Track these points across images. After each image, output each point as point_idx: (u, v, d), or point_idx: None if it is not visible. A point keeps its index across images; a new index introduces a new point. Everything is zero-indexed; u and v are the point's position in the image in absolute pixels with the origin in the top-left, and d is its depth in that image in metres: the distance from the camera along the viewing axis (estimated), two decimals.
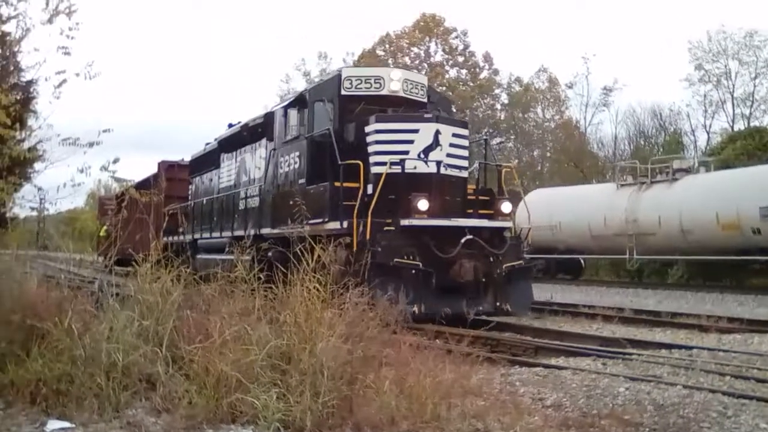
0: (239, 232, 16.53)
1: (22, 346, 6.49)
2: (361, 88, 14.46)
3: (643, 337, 13.03)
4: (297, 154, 14.69)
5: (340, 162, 12.75)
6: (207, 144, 21.71)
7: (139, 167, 41.57)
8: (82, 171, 12.13)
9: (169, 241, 17.31)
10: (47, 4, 12.48)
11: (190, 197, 21.90)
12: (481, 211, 13.73)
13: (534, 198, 29.91)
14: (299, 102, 15.06)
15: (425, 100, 15.05)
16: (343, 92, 14.47)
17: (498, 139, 55.92)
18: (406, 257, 11.65)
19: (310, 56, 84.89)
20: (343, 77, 14.62)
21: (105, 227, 19.69)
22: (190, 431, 5.45)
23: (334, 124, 14.17)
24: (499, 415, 6.49)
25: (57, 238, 14.66)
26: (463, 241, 12.18)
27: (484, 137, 23.01)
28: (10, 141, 13.70)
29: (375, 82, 14.51)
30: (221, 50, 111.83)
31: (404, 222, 12.26)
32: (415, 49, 57.84)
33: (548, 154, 52.23)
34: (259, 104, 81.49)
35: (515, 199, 14.77)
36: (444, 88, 54.57)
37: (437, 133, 13.30)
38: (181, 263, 7.62)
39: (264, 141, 16.63)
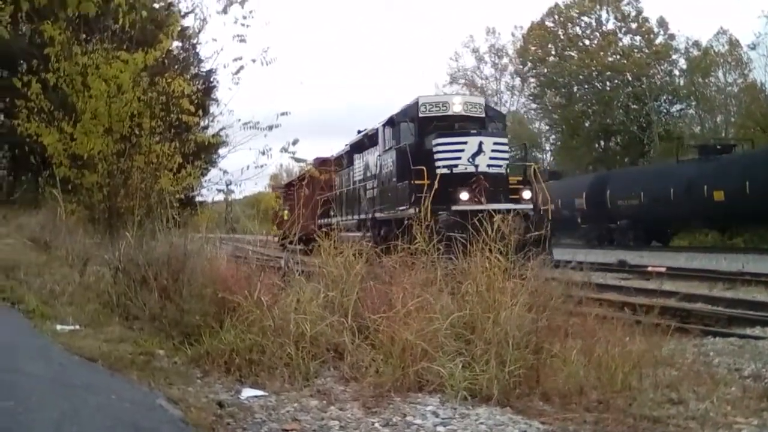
0: (363, 216, 21.77)
1: (215, 319, 6.77)
2: (433, 111, 19.06)
3: None
4: (391, 160, 19.51)
5: (412, 167, 17.13)
6: (345, 145, 26.59)
7: (315, 149, 42.71)
8: (263, 153, 12.60)
9: (322, 222, 19.62)
10: None
11: (335, 188, 26.08)
12: (513, 197, 17.84)
13: None
14: (391, 122, 20.08)
15: (483, 115, 19.42)
16: (420, 114, 19.05)
17: (678, 107, 53.83)
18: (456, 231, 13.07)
19: (479, 33, 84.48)
20: (419, 104, 19.11)
21: (284, 210, 21.04)
22: (378, 399, 5.48)
23: (414, 138, 18.85)
24: (694, 385, 6.22)
25: (243, 220, 15.31)
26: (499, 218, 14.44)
27: (524, 143, 31.43)
28: (194, 128, 14.37)
29: (443, 106, 19.19)
30: (391, 32, 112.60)
31: (454, 207, 15.59)
32: (586, 18, 56.46)
33: (732, 120, 49.56)
34: (431, 84, 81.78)
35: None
36: (618, 57, 53.07)
37: (480, 143, 17.61)
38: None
39: (376, 147, 21.64)
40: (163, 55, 13.40)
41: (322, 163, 26.17)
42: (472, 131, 18.21)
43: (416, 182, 16.61)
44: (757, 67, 49.32)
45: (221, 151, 15.45)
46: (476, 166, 17.31)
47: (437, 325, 6.07)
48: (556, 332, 6.38)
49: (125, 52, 12.81)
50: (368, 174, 22.45)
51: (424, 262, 7.18)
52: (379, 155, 20.87)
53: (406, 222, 9.66)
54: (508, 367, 5.66)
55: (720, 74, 52.07)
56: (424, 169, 16.50)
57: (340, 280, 7.20)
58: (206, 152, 15.59)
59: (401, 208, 17.47)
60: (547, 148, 64.02)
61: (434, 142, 17.91)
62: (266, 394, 5.63)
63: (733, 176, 30.23)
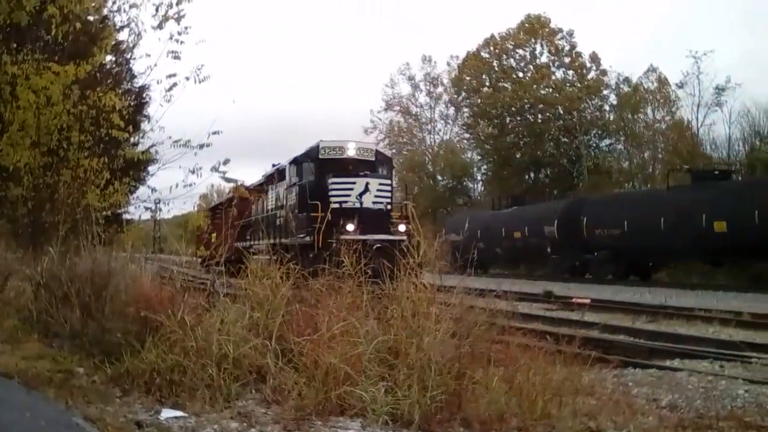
0: (273, 241, 22.99)
1: (137, 338, 6.67)
2: (330, 154, 21.96)
3: (762, 340, 12.52)
4: (295, 193, 22.50)
5: (309, 201, 20.06)
6: (261, 176, 29.32)
7: (246, 170, 42.43)
8: (193, 172, 12.47)
9: (239, 245, 20.41)
10: (157, 10, 12.91)
11: (252, 214, 27.70)
12: (394, 230, 20.16)
13: None
14: (295, 161, 22.76)
15: (373, 159, 22.54)
16: (320, 156, 21.90)
17: (607, 141, 54.92)
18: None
19: (415, 60, 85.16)
20: (320, 147, 21.98)
21: (212, 232, 21.90)
22: (299, 422, 5.46)
23: (314, 176, 21.60)
24: (612, 414, 6.33)
25: (170, 240, 15.10)
26: (374, 247, 16.32)
27: (405, 183, 34.40)
28: (124, 143, 14.15)
29: (339, 150, 22.08)
30: (327, 53, 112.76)
31: (342, 237, 16.65)
32: (521, 51, 57.43)
33: (660, 156, 50.74)
34: (366, 109, 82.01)
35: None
36: (551, 90, 54.05)
37: (367, 183, 20.65)
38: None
39: (284, 181, 24.29)
40: (96, 69, 13.19)
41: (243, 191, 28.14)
42: (361, 173, 21.14)
43: (313, 214, 19.48)
44: (684, 105, 50.70)
45: (150, 168, 15.22)
46: (361, 203, 20.40)
47: (361, 349, 6.08)
48: (478, 359, 6.43)
49: (56, 64, 12.58)
50: (278, 204, 25.25)
51: (350, 286, 7.19)
52: (286, 188, 23.81)
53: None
54: (430, 393, 5.70)
55: (649, 111, 53.26)
56: (319, 204, 19.32)
57: (266, 302, 7.17)
58: (135, 169, 15.35)
59: (300, 235, 20.28)
60: (479, 178, 64.68)
61: (329, 181, 20.92)
62: (186, 415, 5.57)
63: (737, 204, 27.91)
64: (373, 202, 20.59)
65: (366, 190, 20.63)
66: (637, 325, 15.00)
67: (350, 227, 18.65)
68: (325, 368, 5.90)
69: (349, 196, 20.42)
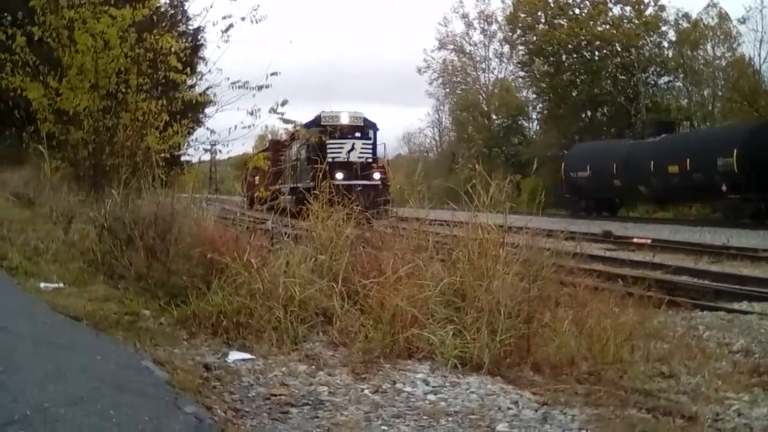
0: (292, 185, 28.79)
1: (203, 280, 6.66)
2: (329, 121, 29.08)
3: None
4: (305, 150, 29.63)
5: (312, 157, 25.69)
6: (288, 134, 34.68)
7: (304, 111, 42.56)
8: (252, 113, 12.41)
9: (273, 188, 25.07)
10: None
11: (283, 163, 33.42)
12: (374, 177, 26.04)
13: None
14: (306, 126, 26.21)
15: (362, 124, 29.78)
16: (321, 123, 28.73)
17: (665, 79, 53.64)
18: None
19: None
20: (321, 116, 29.04)
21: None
22: (367, 365, 5.41)
23: (318, 138, 27.30)
24: (685, 359, 6.18)
25: (228, 181, 15.17)
26: (358, 189, 19.30)
27: (383, 143, 35.20)
28: (182, 86, 14.14)
29: (335, 118, 29.36)
30: None
31: (334, 182, 20.21)
32: None
33: (719, 93, 49.43)
34: (419, 49, 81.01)
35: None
36: (608, 26, 52.78)
37: (353, 144, 28.93)
38: None
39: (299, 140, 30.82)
40: (152, 12, 13.13)
41: (275, 144, 37.57)
42: (349, 136, 29.15)
43: (315, 166, 23.02)
44: (746, 41, 49.09)
45: (208, 110, 15.19)
46: (348, 158, 28.25)
47: (428, 292, 5.99)
48: (546, 302, 6.32)
49: (113, 8, 12.54)
50: (296, 157, 32.14)
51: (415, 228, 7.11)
52: (299, 146, 31.28)
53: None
54: (499, 336, 5.60)
55: (708, 47, 51.76)
56: (319, 158, 24.31)
57: (330, 244, 7.11)
58: (193, 111, 15.36)
59: (307, 181, 24.29)
60: (534, 117, 63.76)
61: (327, 142, 28.12)
62: (254, 357, 5.55)
63: None
64: (358, 157, 28.42)
65: (353, 148, 28.87)
66: (700, 266, 14.70)
67: (339, 176, 24.61)
68: (391, 310, 5.82)
69: (340, 153, 28.45)
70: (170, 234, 7.40)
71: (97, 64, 12.56)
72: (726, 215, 31.13)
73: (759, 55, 47.09)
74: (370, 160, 28.87)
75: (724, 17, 50.66)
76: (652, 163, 33.95)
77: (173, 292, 6.71)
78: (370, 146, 29.80)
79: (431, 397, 4.88)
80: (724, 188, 30.20)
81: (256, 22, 12.87)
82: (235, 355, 5.58)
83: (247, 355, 5.59)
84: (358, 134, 29.43)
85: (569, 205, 40.87)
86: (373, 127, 30.98)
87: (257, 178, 26.73)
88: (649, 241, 20.10)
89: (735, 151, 29.53)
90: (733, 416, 4.85)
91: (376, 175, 26.61)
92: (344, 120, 29.56)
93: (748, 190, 29.00)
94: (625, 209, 41.77)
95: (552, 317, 6.11)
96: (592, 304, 6.44)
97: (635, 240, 20.99)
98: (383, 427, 4.30)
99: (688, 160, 31.72)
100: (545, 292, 6.34)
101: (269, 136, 44.79)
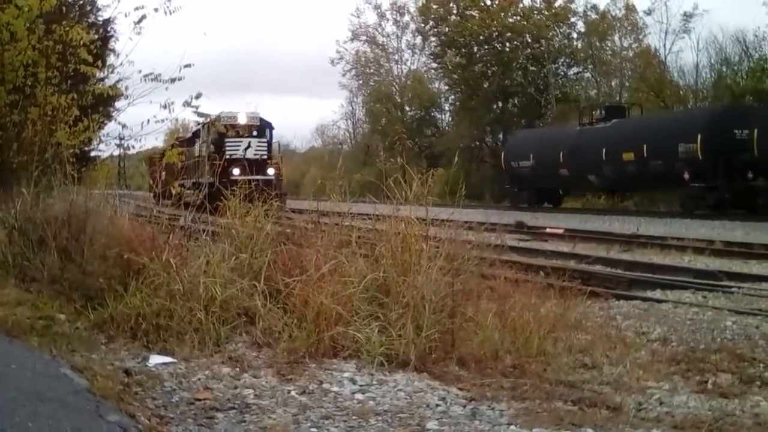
0: (195, 180, 31.25)
1: (120, 281, 6.47)
2: (228, 121, 30.75)
3: (738, 269, 12.61)
4: (206, 147, 32.43)
5: (212, 153, 30.12)
6: (190, 132, 38.57)
7: (219, 104, 42.35)
8: (165, 107, 12.12)
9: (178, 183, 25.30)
10: None
11: (185, 159, 34.17)
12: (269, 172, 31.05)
13: None
14: (205, 126, 30.27)
15: (258, 123, 32.64)
16: (221, 122, 29.60)
17: (575, 70, 54.70)
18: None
19: None
20: (221, 116, 30.31)
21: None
22: (293, 366, 5.34)
23: (218, 137, 30.74)
24: (606, 349, 6.29)
25: (138, 176, 14.85)
26: (254, 184, 20.52)
27: (278, 141, 38.43)
28: (92, 79, 13.73)
29: (233, 118, 31.52)
30: None
31: (231, 177, 24.55)
32: None
33: (627, 84, 50.66)
34: (332, 39, 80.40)
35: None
36: (518, 18, 53.51)
37: (249, 142, 31.63)
38: None
39: (200, 137, 34.40)
40: (60, 2, 12.70)
41: (181, 141, 37.52)
42: (246, 135, 31.94)
43: (215, 162, 27.36)
44: (651, 32, 50.48)
45: (120, 104, 14.78)
46: (245, 155, 30.61)
47: (352, 289, 5.94)
48: (470, 296, 6.34)
49: None
50: (198, 154, 34.23)
51: (337, 223, 7.04)
52: (201, 143, 33.97)
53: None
54: (424, 332, 5.59)
55: (616, 38, 53.03)
56: (218, 155, 28.07)
57: (250, 242, 6.99)
58: (104, 105, 14.95)
59: (208, 176, 28.06)
60: (447, 108, 64.28)
61: (226, 140, 30.64)
62: (175, 360, 5.43)
63: None
64: (254, 154, 31.23)
65: (249, 146, 31.50)
66: (612, 255, 15.03)
67: (236, 171, 27.45)
68: (315, 309, 5.75)
69: (238, 150, 31.13)
70: (84, 234, 7.18)
71: (3, 57, 12.10)
72: (684, 205, 30.05)
73: (664, 46, 48.70)
74: (265, 157, 32.21)
75: (630, 9, 52.10)
76: (604, 150, 32.65)
77: (89, 295, 6.50)
78: (266, 144, 32.79)
79: (359, 396, 4.84)
80: (686, 176, 28.89)
81: (170, 14, 12.57)
82: (155, 359, 5.44)
83: (168, 359, 5.46)
84: (255, 133, 32.44)
85: (512, 197, 40.32)
86: (269, 126, 33.98)
87: (164, 173, 26.57)
88: (561, 231, 20.45)
89: (699, 137, 28.23)
90: (656, 405, 4.95)
91: (271, 171, 31.43)
92: (242, 120, 32.14)
93: (714, 178, 27.78)
94: (571, 199, 41.63)
95: (475, 311, 6.14)
96: (513, 297, 6.50)
97: (548, 230, 21.35)
98: (312, 429, 4.24)
99: (645, 147, 30.37)
100: (468, 286, 6.36)
101: (180, 131, 44.27)
